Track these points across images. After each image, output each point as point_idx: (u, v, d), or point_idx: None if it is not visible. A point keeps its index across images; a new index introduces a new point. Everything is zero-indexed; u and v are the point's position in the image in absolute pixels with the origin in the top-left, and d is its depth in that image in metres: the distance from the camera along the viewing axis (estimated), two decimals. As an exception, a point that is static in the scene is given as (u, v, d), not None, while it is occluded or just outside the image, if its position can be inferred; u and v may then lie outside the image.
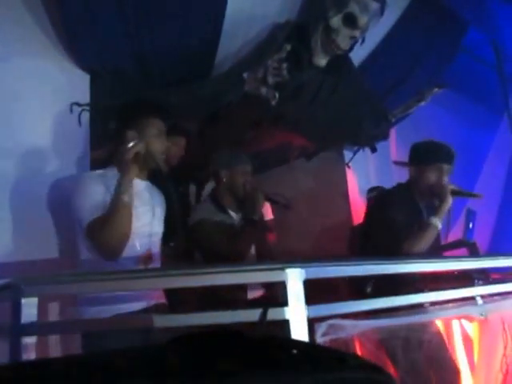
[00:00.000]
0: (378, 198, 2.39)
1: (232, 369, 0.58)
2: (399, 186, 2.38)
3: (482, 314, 1.62)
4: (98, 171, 1.84)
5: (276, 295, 1.19)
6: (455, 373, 1.77)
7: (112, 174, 1.79)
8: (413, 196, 2.30)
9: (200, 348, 0.65)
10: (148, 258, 1.82)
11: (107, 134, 2.05)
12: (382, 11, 2.47)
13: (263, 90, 2.34)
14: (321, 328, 1.19)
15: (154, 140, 1.80)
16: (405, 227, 2.12)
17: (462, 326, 1.80)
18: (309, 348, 0.82)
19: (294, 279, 1.15)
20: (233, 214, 2.49)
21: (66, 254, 2.05)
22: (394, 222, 2.14)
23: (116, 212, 1.64)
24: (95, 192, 1.72)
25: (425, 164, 2.25)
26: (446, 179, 2.23)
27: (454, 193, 2.19)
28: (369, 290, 1.97)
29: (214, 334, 0.69)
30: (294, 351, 0.67)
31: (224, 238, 2.31)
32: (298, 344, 0.85)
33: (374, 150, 3.36)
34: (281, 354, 0.64)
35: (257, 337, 0.68)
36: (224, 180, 2.48)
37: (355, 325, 1.26)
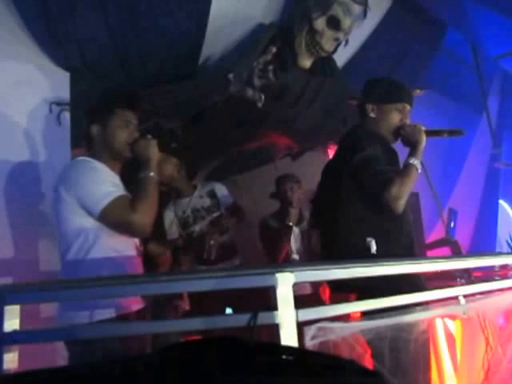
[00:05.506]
0: (341, 151, 1.99)
1: (228, 376, 0.59)
2: (356, 128, 2.01)
3: (464, 313, 1.65)
4: (81, 158, 1.73)
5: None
6: (439, 373, 1.79)
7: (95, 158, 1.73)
8: (379, 135, 1.93)
9: (195, 355, 0.65)
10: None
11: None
12: (364, 14, 2.50)
13: (249, 92, 2.34)
14: (310, 331, 1.19)
15: (117, 131, 1.74)
16: (389, 169, 1.79)
17: (445, 325, 1.83)
18: (304, 354, 0.83)
19: (284, 284, 1.15)
20: None
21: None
22: (377, 162, 1.78)
23: (148, 189, 1.66)
24: (102, 172, 1.68)
25: (388, 102, 1.94)
26: (408, 120, 1.96)
27: (429, 133, 1.90)
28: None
29: (208, 340, 0.70)
30: (290, 357, 0.67)
31: None
32: (294, 350, 0.86)
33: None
34: (276, 360, 0.65)
35: (251, 343, 0.68)
36: None
37: (344, 327, 1.27)
